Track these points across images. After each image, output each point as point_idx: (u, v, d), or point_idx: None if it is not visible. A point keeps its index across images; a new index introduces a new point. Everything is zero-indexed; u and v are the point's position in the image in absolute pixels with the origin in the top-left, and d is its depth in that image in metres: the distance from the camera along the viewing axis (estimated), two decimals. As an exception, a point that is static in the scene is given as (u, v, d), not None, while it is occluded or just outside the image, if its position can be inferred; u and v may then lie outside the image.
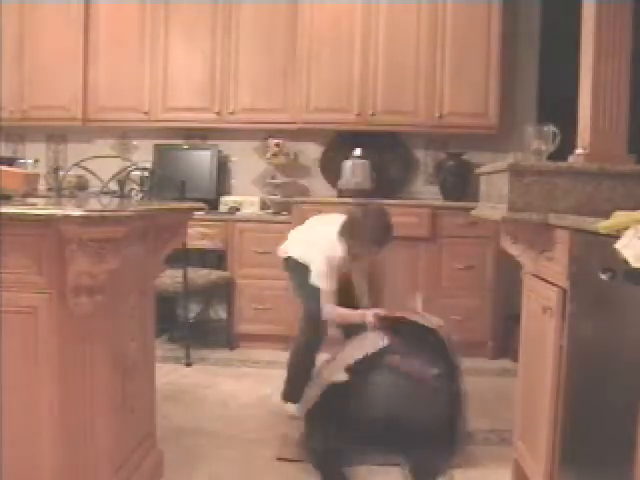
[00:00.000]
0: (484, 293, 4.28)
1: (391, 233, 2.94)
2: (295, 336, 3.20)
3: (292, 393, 3.06)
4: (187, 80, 4.67)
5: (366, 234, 2.91)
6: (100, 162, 3.21)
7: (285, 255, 3.22)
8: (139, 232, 2.04)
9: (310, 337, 3.08)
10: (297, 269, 3.13)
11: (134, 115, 4.71)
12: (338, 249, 2.96)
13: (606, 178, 2.16)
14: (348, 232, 2.94)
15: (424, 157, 4.85)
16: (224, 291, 4.43)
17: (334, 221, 3.03)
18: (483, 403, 3.36)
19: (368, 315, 2.73)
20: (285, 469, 2.58)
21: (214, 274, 4.26)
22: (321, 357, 2.79)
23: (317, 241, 3.07)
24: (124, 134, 5.00)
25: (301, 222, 3.45)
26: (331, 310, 2.94)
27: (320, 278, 2.96)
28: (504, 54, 4.43)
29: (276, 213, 4.55)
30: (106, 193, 3.17)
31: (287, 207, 4.47)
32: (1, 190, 1.99)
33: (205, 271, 4.25)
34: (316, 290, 2.96)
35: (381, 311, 2.70)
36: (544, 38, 4.61)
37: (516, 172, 2.18)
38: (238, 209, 4.61)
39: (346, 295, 3.10)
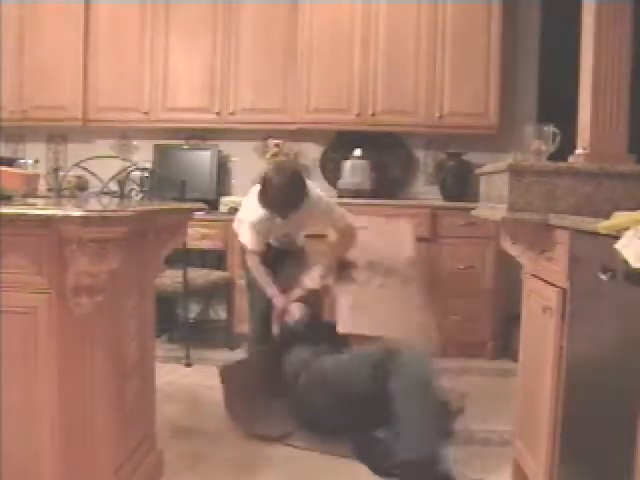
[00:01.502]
0: (484, 293, 4.27)
1: (285, 200, 2.98)
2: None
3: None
4: (187, 80, 4.67)
5: (269, 202, 3.01)
6: (100, 162, 3.20)
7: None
8: (139, 232, 2.04)
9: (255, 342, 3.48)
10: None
11: (134, 115, 4.70)
12: (258, 212, 3.11)
13: (606, 178, 2.16)
14: (261, 199, 3.05)
15: (424, 157, 4.85)
16: (224, 291, 4.43)
17: (254, 191, 3.19)
18: (483, 403, 3.36)
19: (276, 299, 3.17)
20: (285, 469, 2.58)
21: (214, 274, 4.26)
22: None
23: (244, 213, 3.33)
24: (124, 134, 5.00)
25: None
26: (253, 266, 3.25)
27: (245, 240, 3.27)
28: (504, 54, 4.43)
29: (276, 213, 4.54)
30: (106, 193, 3.17)
31: (287, 207, 4.46)
32: (1, 190, 1.98)
33: (205, 271, 4.25)
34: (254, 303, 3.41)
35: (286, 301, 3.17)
36: (544, 38, 4.61)
37: (516, 172, 2.18)
38: (238, 209, 4.59)
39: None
